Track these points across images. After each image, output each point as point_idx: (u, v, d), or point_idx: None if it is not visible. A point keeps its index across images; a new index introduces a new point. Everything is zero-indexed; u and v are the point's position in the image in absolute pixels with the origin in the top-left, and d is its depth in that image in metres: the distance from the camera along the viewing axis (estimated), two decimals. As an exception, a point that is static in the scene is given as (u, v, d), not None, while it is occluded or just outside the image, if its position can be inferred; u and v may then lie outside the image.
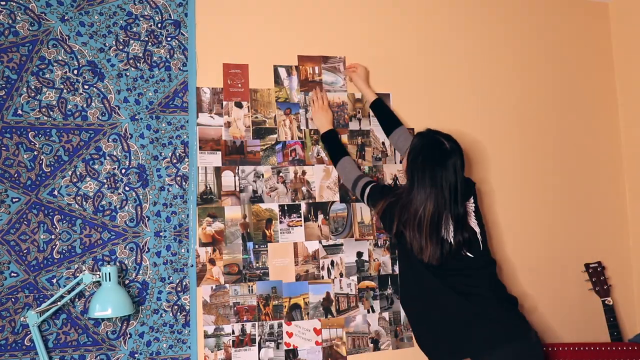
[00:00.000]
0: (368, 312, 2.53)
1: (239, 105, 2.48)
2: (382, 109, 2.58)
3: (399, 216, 2.18)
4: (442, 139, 2.19)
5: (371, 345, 2.51)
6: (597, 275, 2.79)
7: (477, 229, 2.25)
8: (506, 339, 2.12)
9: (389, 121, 2.58)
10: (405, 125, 2.58)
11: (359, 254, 2.55)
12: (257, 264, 2.42)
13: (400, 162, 2.64)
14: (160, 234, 2.32)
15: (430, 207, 2.11)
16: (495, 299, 2.20)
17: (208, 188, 2.40)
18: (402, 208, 2.18)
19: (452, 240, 2.16)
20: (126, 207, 2.30)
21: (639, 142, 2.99)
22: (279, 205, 2.47)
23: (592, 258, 2.89)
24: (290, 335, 2.42)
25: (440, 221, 2.14)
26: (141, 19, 2.39)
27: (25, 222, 2.19)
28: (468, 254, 2.20)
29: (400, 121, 2.58)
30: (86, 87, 2.30)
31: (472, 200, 2.29)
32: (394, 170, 2.64)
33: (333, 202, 2.54)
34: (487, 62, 2.87)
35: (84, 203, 2.25)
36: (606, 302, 2.73)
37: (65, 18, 2.30)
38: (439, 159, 2.15)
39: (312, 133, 2.55)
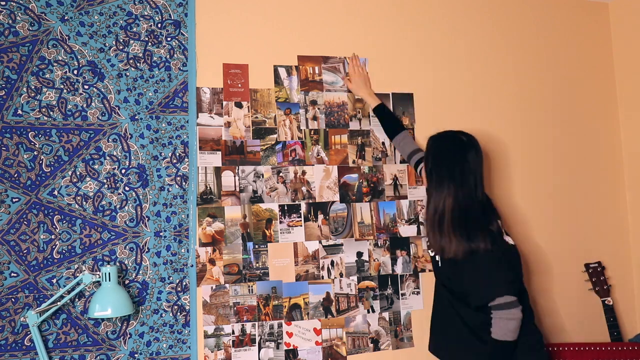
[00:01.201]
0: (368, 312, 2.53)
1: (239, 105, 2.48)
2: (385, 113, 2.59)
3: None
4: (460, 136, 2.23)
5: (371, 345, 2.51)
6: (597, 275, 2.79)
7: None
8: None
9: (392, 125, 2.59)
10: (406, 129, 2.61)
11: (359, 254, 2.55)
12: (257, 264, 2.42)
13: (401, 162, 2.65)
14: (160, 234, 2.32)
15: (460, 201, 2.16)
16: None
17: (208, 188, 2.40)
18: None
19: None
20: (126, 207, 2.30)
21: (638, 142, 2.99)
22: (279, 205, 2.47)
23: (592, 258, 2.89)
24: (290, 335, 2.42)
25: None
26: (141, 19, 2.39)
27: (25, 222, 2.19)
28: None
29: (403, 125, 2.61)
30: (86, 87, 2.30)
31: None
32: (394, 170, 2.64)
33: (333, 202, 2.54)
34: (486, 62, 2.87)
35: (84, 203, 2.25)
36: (606, 302, 2.73)
37: (65, 18, 2.30)
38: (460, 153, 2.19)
39: (312, 133, 2.55)
